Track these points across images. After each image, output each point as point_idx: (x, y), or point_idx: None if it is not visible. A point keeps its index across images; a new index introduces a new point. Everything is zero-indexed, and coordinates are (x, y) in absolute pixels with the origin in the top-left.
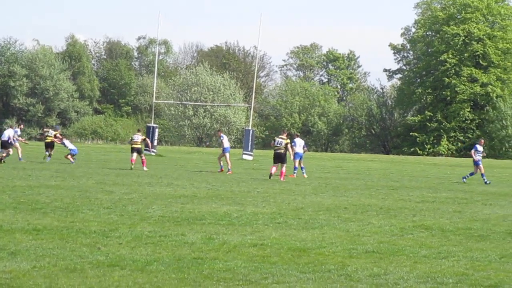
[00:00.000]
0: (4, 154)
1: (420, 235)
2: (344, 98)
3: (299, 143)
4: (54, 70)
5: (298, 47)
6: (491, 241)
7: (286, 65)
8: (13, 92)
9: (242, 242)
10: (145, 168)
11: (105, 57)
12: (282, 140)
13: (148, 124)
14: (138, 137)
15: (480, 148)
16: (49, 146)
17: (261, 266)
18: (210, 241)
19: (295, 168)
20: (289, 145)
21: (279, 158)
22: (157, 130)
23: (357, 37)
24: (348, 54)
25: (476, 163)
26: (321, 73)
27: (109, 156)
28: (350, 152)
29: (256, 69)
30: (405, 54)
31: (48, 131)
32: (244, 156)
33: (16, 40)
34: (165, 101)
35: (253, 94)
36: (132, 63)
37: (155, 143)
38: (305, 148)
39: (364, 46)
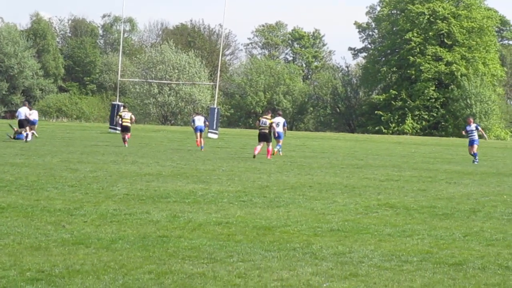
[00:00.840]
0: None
1: (385, 213)
2: (309, 76)
3: (278, 120)
4: (19, 47)
5: (263, 26)
6: (455, 219)
7: (251, 43)
8: None
9: (207, 220)
10: (126, 145)
11: (70, 35)
12: (266, 120)
13: (113, 102)
14: (127, 115)
15: (469, 127)
16: (126, 129)
17: (226, 244)
18: (175, 219)
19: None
20: (273, 124)
21: (264, 138)
22: (122, 108)
23: (322, 16)
24: (313, 33)
25: (470, 143)
26: (286, 51)
27: (73, 134)
28: (315, 131)
29: (221, 47)
30: (370, 33)
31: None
32: (210, 135)
33: None
34: (130, 79)
35: (218, 72)
36: (97, 41)
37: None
38: (285, 127)
39: (329, 25)
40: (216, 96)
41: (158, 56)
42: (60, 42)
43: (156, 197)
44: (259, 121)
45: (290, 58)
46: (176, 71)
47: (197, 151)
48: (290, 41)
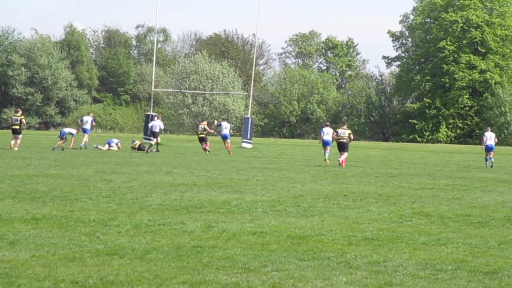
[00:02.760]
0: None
1: (419, 222)
2: (343, 85)
3: (327, 131)
4: (53, 59)
5: (297, 35)
6: (490, 227)
7: (285, 52)
8: (12, 82)
9: (241, 230)
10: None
11: (103, 45)
12: (345, 130)
13: (147, 113)
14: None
15: (485, 135)
16: (203, 140)
17: (260, 254)
18: (209, 229)
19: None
20: (322, 134)
21: (342, 147)
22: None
23: (356, 25)
24: (347, 42)
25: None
26: (320, 60)
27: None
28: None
29: (254, 57)
30: (404, 41)
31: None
32: (244, 144)
33: (14, 29)
34: (164, 90)
35: (252, 82)
36: (131, 51)
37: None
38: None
39: (362, 34)
40: (250, 106)
41: (192, 66)
42: (94, 53)
43: (190, 207)
44: (337, 132)
45: (324, 67)
46: (210, 81)
47: (231, 161)
48: (323, 50)
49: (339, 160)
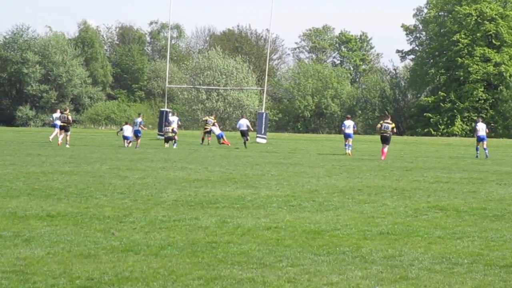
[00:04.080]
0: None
1: (435, 215)
2: (357, 79)
3: (348, 124)
4: (67, 56)
5: (310, 30)
6: (506, 221)
7: (298, 47)
8: (26, 79)
9: (256, 225)
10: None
11: (117, 42)
12: (388, 124)
13: (162, 109)
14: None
15: (477, 126)
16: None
17: (275, 249)
18: (224, 225)
19: (346, 145)
20: (343, 127)
21: (386, 140)
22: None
23: (369, 19)
24: (361, 36)
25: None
26: (333, 55)
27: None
28: (364, 134)
29: (268, 52)
30: (418, 35)
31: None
32: (258, 139)
33: (28, 27)
34: (178, 86)
35: (266, 77)
36: (145, 48)
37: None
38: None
39: (376, 28)
40: (264, 101)
41: (206, 62)
42: (108, 49)
43: (205, 202)
44: (381, 125)
45: (338, 62)
46: (224, 76)
47: (245, 156)
48: (337, 45)
49: (383, 151)
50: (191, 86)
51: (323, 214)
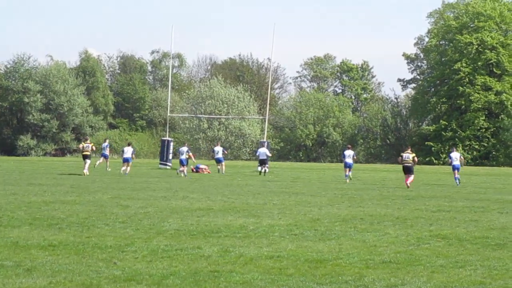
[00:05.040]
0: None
1: (437, 244)
2: (359, 108)
3: (348, 154)
4: (68, 85)
5: (311, 58)
6: (508, 249)
7: (300, 76)
8: (28, 108)
9: (259, 255)
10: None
11: (119, 71)
12: (409, 154)
13: (163, 138)
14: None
15: (451, 156)
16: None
17: (278, 278)
18: (227, 254)
19: (346, 176)
20: (345, 157)
21: (408, 170)
22: (172, 143)
23: (371, 47)
24: (362, 65)
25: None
26: (335, 84)
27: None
28: (366, 163)
29: (269, 81)
30: (419, 64)
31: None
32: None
33: (29, 56)
34: (180, 115)
35: (268, 106)
36: (146, 77)
37: (170, 156)
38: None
39: (377, 56)
40: (266, 130)
41: (207, 91)
42: (109, 78)
43: (207, 232)
44: (402, 156)
45: (339, 91)
46: (225, 105)
47: (247, 185)
48: (338, 74)
49: (406, 183)
50: (193, 115)
51: (326, 243)
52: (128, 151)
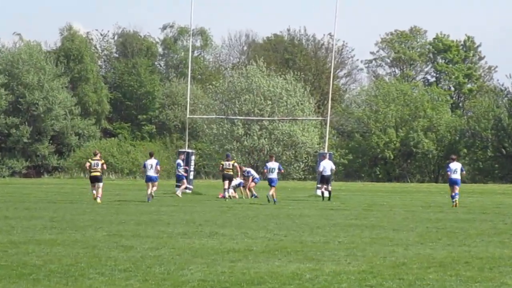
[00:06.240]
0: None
1: None
2: (461, 104)
3: (455, 167)
4: (45, 76)
5: (392, 34)
6: None
7: (375, 59)
8: None
9: None
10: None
11: (116, 55)
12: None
13: (181, 150)
14: (230, 164)
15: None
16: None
17: None
18: None
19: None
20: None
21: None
22: (193, 157)
23: (477, 17)
24: (465, 42)
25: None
26: (426, 69)
27: (125, 196)
28: (472, 182)
29: (332, 66)
30: None
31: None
32: (319, 191)
33: None
34: (204, 116)
35: (329, 102)
36: (156, 63)
37: (191, 175)
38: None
39: (487, 30)
40: (327, 136)
41: (243, 82)
42: (104, 66)
43: (244, 283)
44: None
45: (432, 79)
46: (269, 102)
47: (302, 216)
48: (431, 55)
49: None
50: (223, 117)
51: None
52: (152, 166)
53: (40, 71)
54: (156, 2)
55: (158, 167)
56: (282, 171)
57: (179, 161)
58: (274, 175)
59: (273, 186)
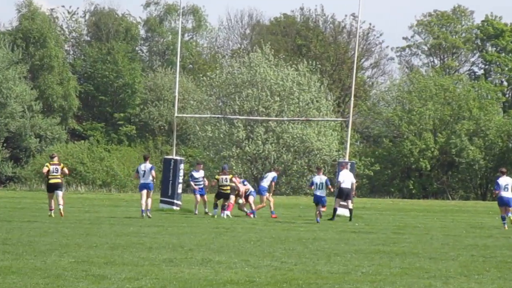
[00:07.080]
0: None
1: None
2: None
3: (505, 182)
4: None
5: (431, 15)
6: None
7: (409, 46)
8: None
9: None
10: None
11: (88, 38)
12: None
13: (167, 156)
14: (227, 179)
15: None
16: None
17: None
18: None
19: (503, 216)
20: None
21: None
22: (182, 165)
23: None
24: None
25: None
26: (472, 59)
27: (98, 213)
28: None
29: (355, 54)
30: None
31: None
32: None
33: None
34: (196, 115)
35: (352, 99)
36: (137, 48)
37: (179, 188)
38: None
39: None
40: (349, 141)
41: (245, 74)
42: (72, 51)
43: None
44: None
45: (480, 72)
46: (277, 99)
47: (316, 239)
48: (478, 41)
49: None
50: (220, 116)
51: None
52: (147, 172)
53: None
54: None
55: (154, 172)
56: (330, 187)
57: (194, 173)
58: (322, 193)
59: (324, 206)
